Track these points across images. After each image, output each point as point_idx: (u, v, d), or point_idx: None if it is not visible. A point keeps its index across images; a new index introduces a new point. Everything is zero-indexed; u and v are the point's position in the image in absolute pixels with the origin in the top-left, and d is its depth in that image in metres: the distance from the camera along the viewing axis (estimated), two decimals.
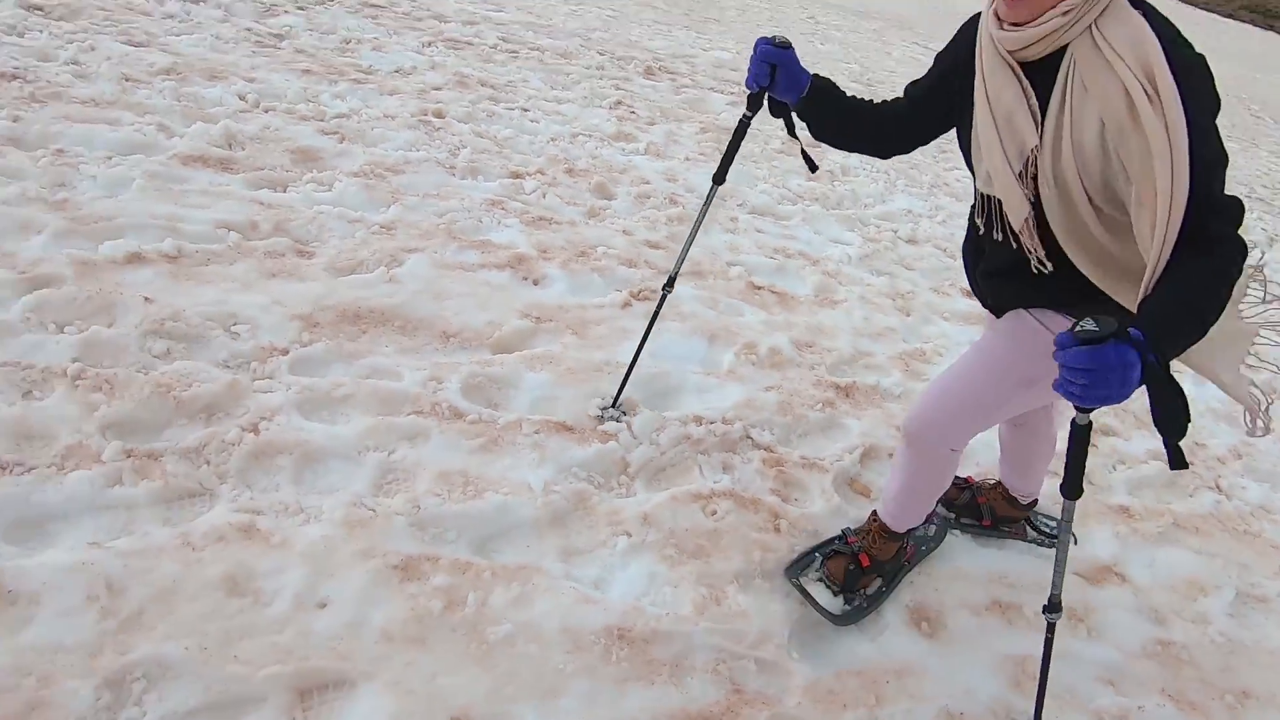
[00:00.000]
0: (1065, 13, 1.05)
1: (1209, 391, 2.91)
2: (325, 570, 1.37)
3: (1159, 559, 1.98)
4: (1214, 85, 1.06)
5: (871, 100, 1.44)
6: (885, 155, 1.53)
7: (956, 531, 1.86)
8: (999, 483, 1.86)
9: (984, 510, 1.86)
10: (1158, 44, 1.02)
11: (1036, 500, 1.87)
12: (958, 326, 2.84)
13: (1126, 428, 2.50)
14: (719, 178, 1.67)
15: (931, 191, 4.20)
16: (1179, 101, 1.00)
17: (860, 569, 1.58)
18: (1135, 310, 1.09)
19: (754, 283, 2.72)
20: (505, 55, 4.44)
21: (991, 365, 1.37)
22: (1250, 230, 5.43)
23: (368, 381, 1.82)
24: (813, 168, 1.59)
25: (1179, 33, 1.06)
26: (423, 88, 3.65)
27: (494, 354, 2.05)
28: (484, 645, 1.32)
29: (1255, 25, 25.11)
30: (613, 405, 1.93)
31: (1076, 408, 1.05)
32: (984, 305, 1.47)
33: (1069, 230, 1.15)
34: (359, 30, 4.16)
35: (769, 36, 1.40)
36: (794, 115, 1.47)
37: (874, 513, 1.64)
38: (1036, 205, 1.16)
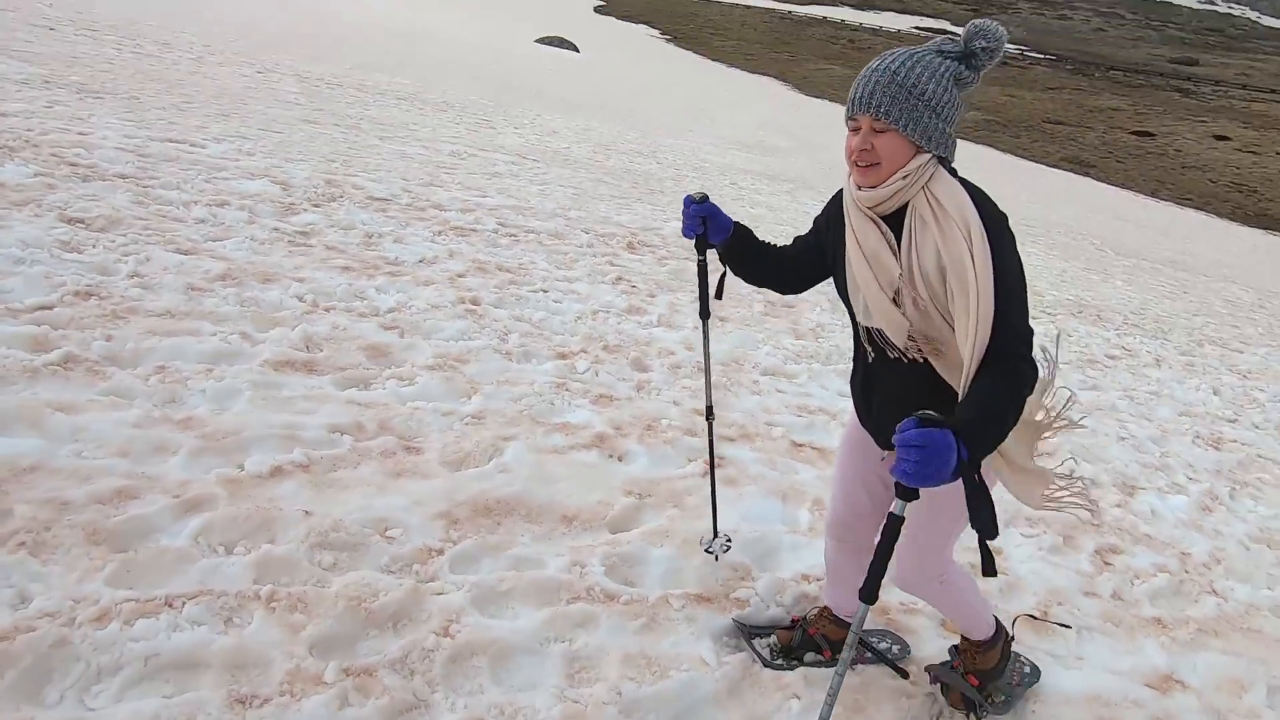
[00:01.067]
0: (903, 178, 1.36)
1: (1174, 503, 3.43)
2: None
3: (1200, 663, 2.30)
4: (1013, 235, 1.37)
5: (776, 245, 1.77)
6: (784, 292, 1.79)
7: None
8: (824, 609, 1.95)
9: (819, 641, 1.92)
10: (971, 202, 1.34)
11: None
12: None
13: (1129, 544, 2.91)
14: (704, 314, 1.95)
15: None
16: (988, 248, 1.30)
17: (974, 689, 1.78)
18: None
19: (795, 441, 3.06)
20: (508, 239, 4.88)
21: (935, 512, 1.53)
22: (1136, 351, 6.41)
23: (521, 573, 1.96)
24: (719, 295, 1.83)
25: (986, 195, 1.39)
26: (450, 276, 3.97)
27: (613, 533, 2.23)
28: None
29: (1074, 173, 30.25)
30: (714, 536, 2.14)
31: (899, 491, 1.23)
32: (877, 440, 1.62)
33: (931, 342, 1.42)
34: (374, 224, 4.50)
35: (691, 195, 1.72)
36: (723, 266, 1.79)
37: (962, 638, 1.83)
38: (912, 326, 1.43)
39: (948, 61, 1.37)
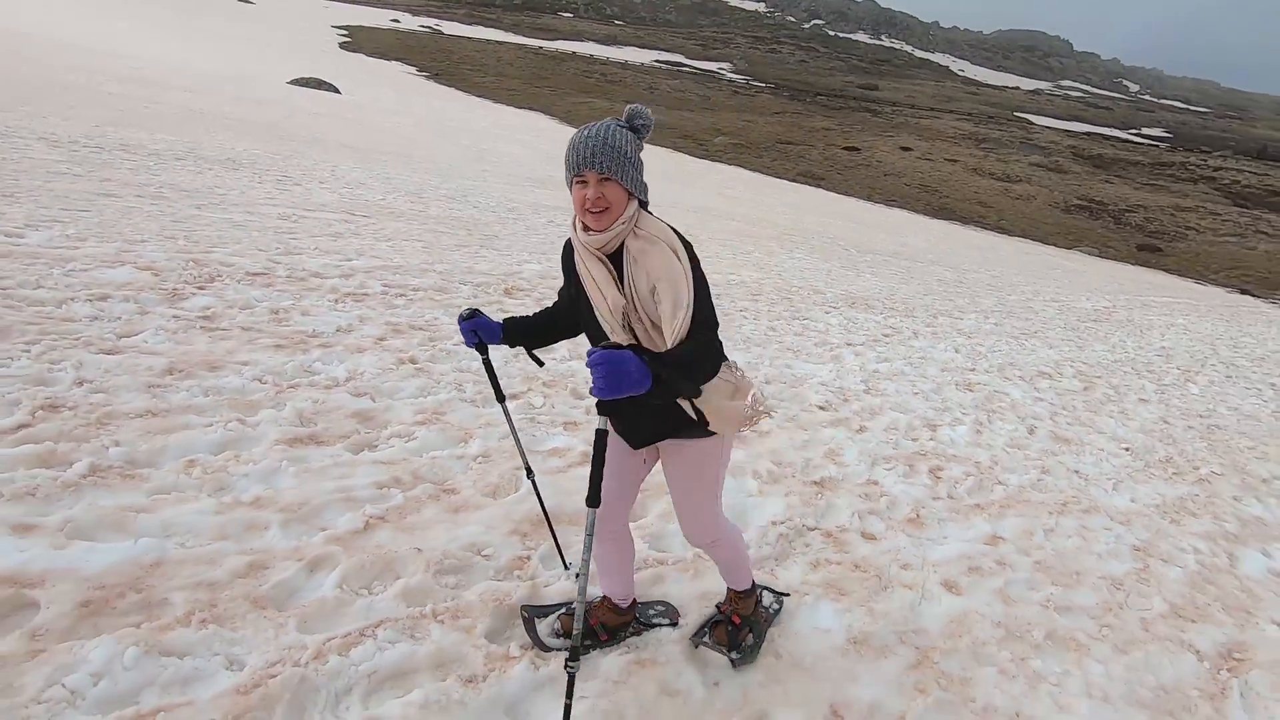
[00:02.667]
0: (624, 222, 1.68)
1: (960, 431, 4.82)
2: None
3: (1006, 525, 3.51)
4: (695, 254, 1.73)
5: (547, 309, 2.08)
6: (573, 336, 2.05)
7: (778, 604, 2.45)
8: (604, 598, 2.19)
9: (600, 629, 2.16)
10: (673, 234, 1.71)
11: (635, 600, 2.23)
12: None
13: (945, 463, 4.15)
14: (500, 399, 2.28)
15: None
16: (689, 262, 1.68)
17: (734, 626, 2.20)
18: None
19: None
20: (401, 300, 5.14)
21: (695, 482, 1.94)
22: (899, 329, 8.29)
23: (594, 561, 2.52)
24: (539, 363, 2.16)
25: (674, 228, 1.74)
26: (375, 340, 4.23)
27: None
28: None
29: (810, 185, 35.73)
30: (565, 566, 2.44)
31: (599, 407, 1.59)
32: (627, 440, 1.91)
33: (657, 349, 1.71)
34: (270, 300, 4.54)
35: (461, 313, 2.04)
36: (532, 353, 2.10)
37: (728, 589, 2.26)
38: (637, 343, 1.71)
39: (628, 131, 1.72)
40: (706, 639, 2.21)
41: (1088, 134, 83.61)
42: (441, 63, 63.64)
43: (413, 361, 4.00)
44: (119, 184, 7.48)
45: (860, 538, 3.09)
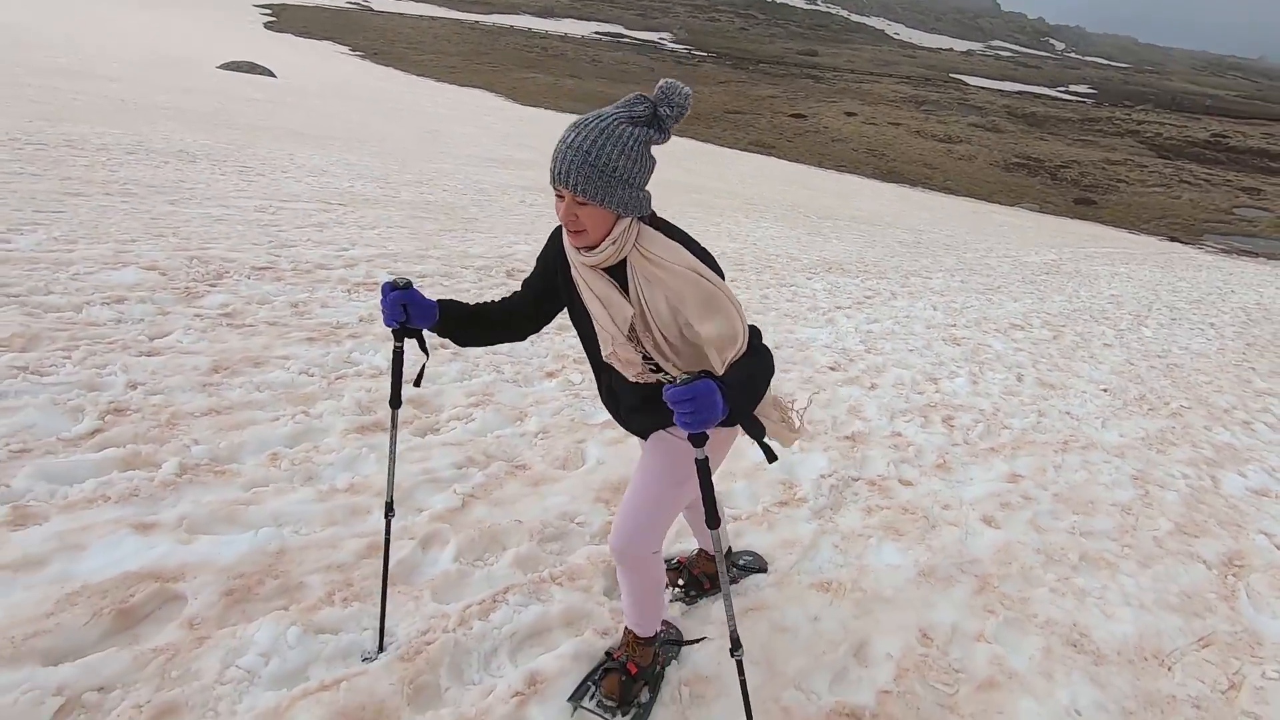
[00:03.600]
0: (613, 243, 1.47)
1: (959, 383, 5.12)
2: None
3: (1019, 464, 3.80)
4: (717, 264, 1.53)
5: (495, 301, 1.75)
6: (521, 339, 1.78)
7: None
8: (700, 550, 2.31)
9: (701, 579, 2.26)
10: (684, 247, 1.50)
11: (728, 548, 2.40)
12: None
13: (955, 412, 4.44)
14: (395, 403, 1.86)
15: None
16: (720, 278, 1.49)
17: (630, 678, 1.83)
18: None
19: None
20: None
21: (658, 477, 1.71)
22: (878, 291, 8.60)
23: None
24: (417, 383, 1.88)
25: (689, 235, 1.54)
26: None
27: None
28: None
29: (761, 154, 36.04)
30: (380, 648, 1.86)
31: (691, 440, 1.43)
32: (631, 432, 1.81)
33: (670, 363, 1.57)
34: (286, 293, 4.50)
35: (391, 280, 1.66)
36: (424, 337, 1.75)
37: (625, 629, 1.89)
38: (648, 356, 1.58)
39: (638, 129, 1.42)
40: (591, 694, 1.83)
41: (1019, 93, 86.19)
42: (375, 41, 61.40)
43: (444, 346, 4.05)
44: (81, 181, 7.16)
45: (899, 484, 3.33)
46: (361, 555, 2.17)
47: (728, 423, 1.50)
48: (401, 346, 1.78)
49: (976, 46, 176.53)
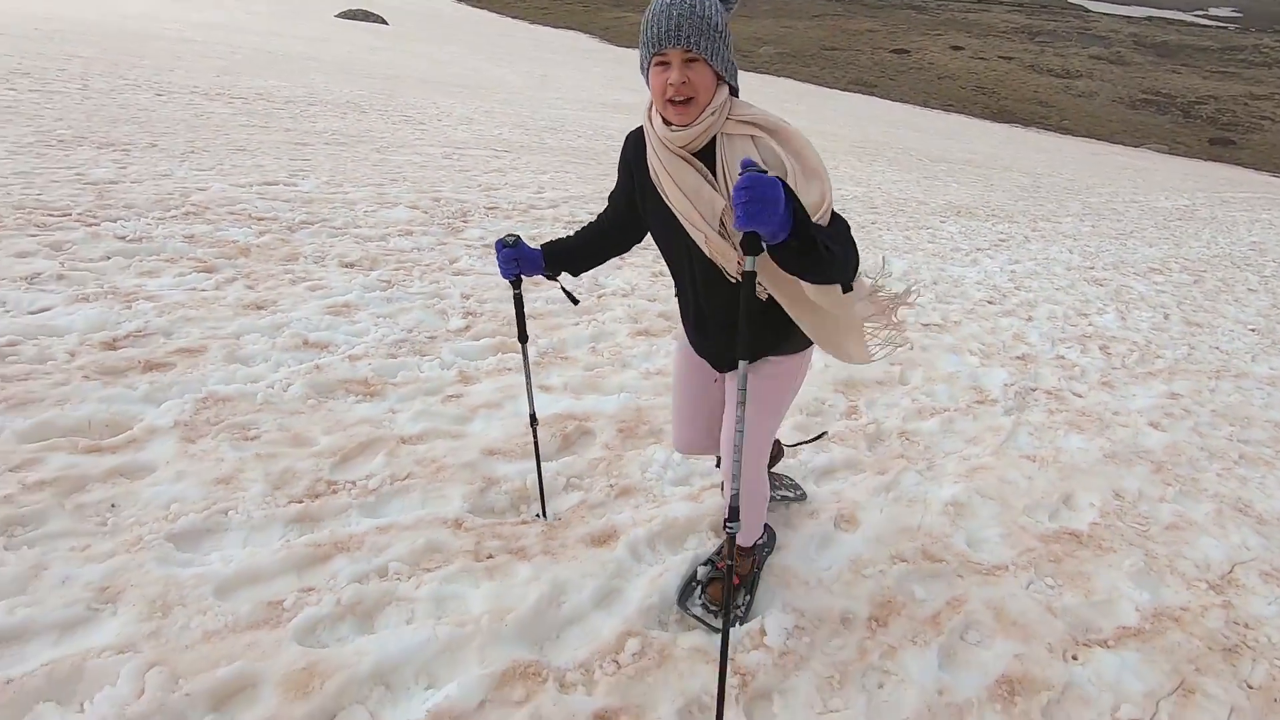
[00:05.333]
0: (713, 113, 1.41)
1: (1109, 318, 5.54)
2: None
3: (1175, 386, 4.30)
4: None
5: (590, 225, 1.82)
6: (626, 248, 1.83)
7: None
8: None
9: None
10: (775, 116, 1.45)
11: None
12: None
13: (1111, 343, 4.91)
14: (522, 339, 2.06)
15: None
16: (806, 144, 1.41)
17: (733, 587, 1.87)
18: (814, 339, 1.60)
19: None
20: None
21: (770, 403, 1.73)
22: (1011, 235, 8.83)
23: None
24: (574, 300, 2.03)
25: (791, 124, 1.46)
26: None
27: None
28: None
29: (863, 94, 34.83)
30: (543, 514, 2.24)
31: (742, 243, 1.27)
32: (715, 365, 1.76)
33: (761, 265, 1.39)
34: (517, 228, 5.39)
35: (502, 239, 1.80)
36: (565, 288, 2.01)
37: (730, 536, 1.73)
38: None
39: None
40: (698, 599, 1.95)
41: (1149, 19, 78.09)
42: None
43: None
44: (298, 133, 8.28)
45: (1072, 395, 3.92)
46: None
47: (786, 251, 1.29)
48: (521, 294, 1.99)
49: None
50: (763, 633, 1.90)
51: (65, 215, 4.15)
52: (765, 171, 1.23)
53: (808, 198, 1.37)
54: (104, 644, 1.58)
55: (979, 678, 1.89)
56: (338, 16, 30.54)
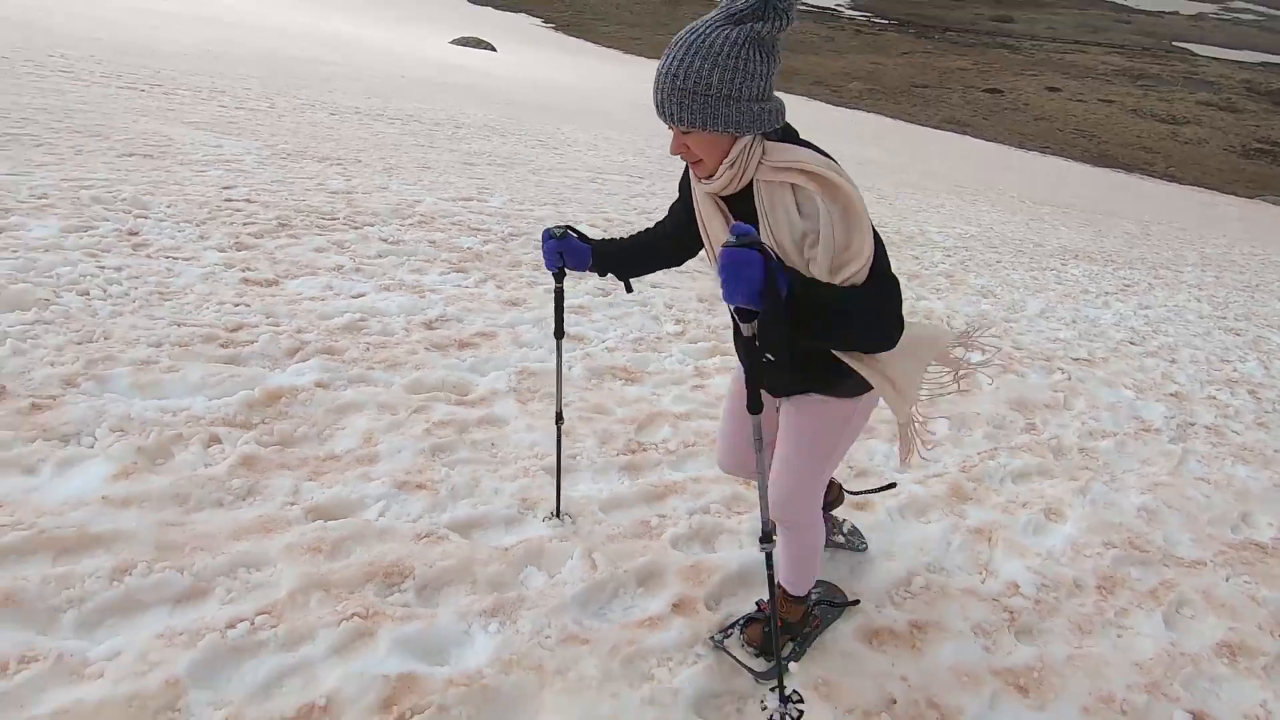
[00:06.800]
0: (730, 166, 1.33)
1: (1250, 366, 5.70)
2: None
3: None
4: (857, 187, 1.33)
5: (648, 230, 1.75)
6: (677, 262, 1.76)
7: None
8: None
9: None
10: (826, 160, 1.32)
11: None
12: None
13: (1260, 381, 5.10)
14: (559, 334, 2.05)
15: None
16: (850, 193, 1.30)
17: (776, 629, 1.67)
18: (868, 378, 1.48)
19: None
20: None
21: (810, 445, 1.64)
22: (1134, 282, 8.91)
23: None
24: (629, 289, 1.91)
25: (826, 153, 1.35)
26: None
27: None
28: None
29: (955, 133, 34.66)
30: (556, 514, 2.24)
31: (734, 317, 1.31)
32: (769, 391, 1.66)
33: None
34: None
35: (550, 229, 1.76)
36: (627, 282, 1.85)
37: (779, 583, 1.80)
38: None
39: (739, 28, 1.25)
40: (734, 636, 1.88)
41: (1264, 64, 74.39)
42: (565, 13, 64.62)
43: None
44: (462, 153, 9.22)
45: (1230, 432, 4.18)
46: None
47: (788, 327, 1.27)
48: (561, 287, 1.96)
49: (1209, 8, 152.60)
50: (1016, 586, 2.34)
51: (334, 219, 4.98)
52: (752, 241, 1.21)
53: (843, 255, 1.30)
54: (545, 534, 2.17)
55: (1202, 641, 2.28)
56: (452, 43, 32.61)
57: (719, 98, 1.25)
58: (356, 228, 4.87)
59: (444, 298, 3.91)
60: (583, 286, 4.54)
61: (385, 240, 4.73)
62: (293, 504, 2.11)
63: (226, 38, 19.82)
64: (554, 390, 2.36)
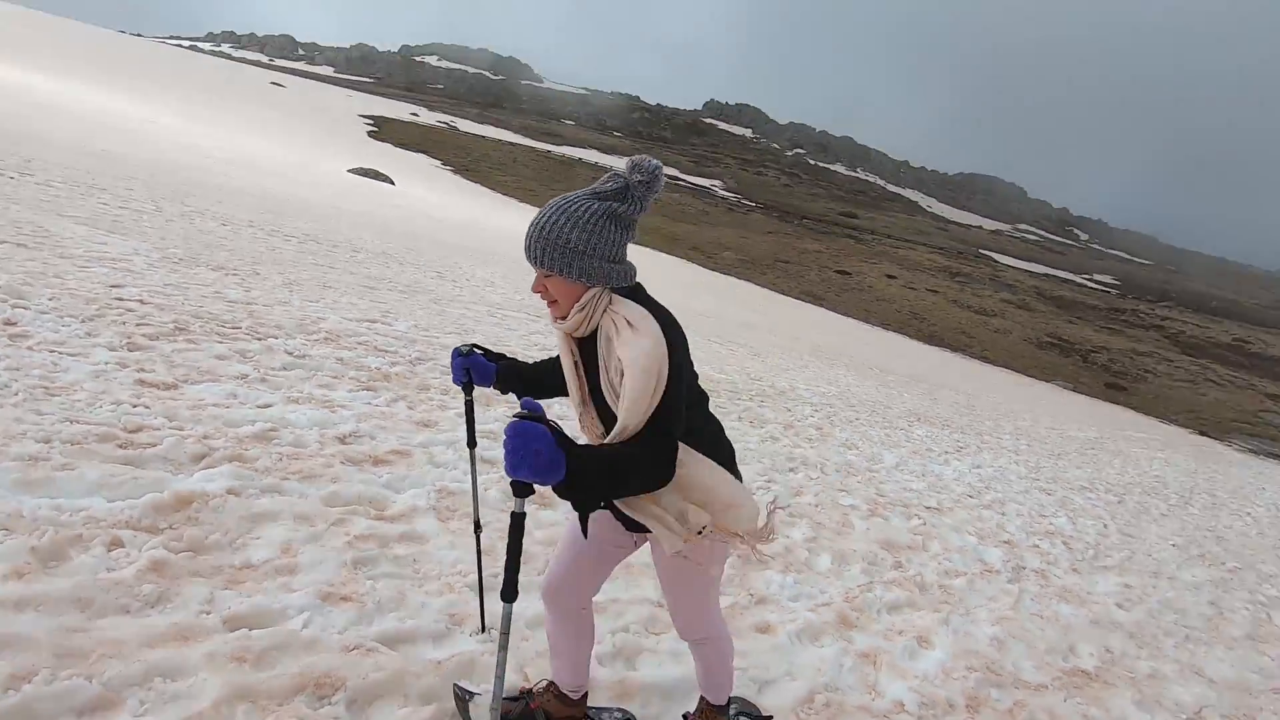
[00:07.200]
0: (580, 310, 1.56)
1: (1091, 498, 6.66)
2: None
3: None
4: (685, 341, 1.54)
5: (550, 360, 1.91)
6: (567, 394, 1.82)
7: None
8: (550, 683, 1.99)
9: (538, 716, 1.97)
10: (650, 316, 1.52)
11: (587, 694, 2.03)
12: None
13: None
14: (471, 444, 2.23)
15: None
16: (665, 352, 1.47)
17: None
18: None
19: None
20: None
21: (687, 586, 1.80)
22: (966, 445, 10.23)
23: None
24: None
25: (664, 309, 1.57)
26: None
27: None
28: None
29: (812, 304, 38.88)
30: (482, 629, 2.29)
31: (513, 487, 1.36)
32: (622, 521, 1.75)
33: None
34: None
35: (458, 347, 1.97)
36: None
37: (700, 697, 2.00)
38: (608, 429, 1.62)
39: (602, 204, 1.54)
40: None
41: (1047, 275, 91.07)
42: (464, 158, 68.00)
43: None
44: (362, 277, 9.28)
45: (1053, 576, 4.85)
46: None
47: (565, 490, 1.36)
48: (471, 399, 2.14)
49: (1005, 227, 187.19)
50: (902, 704, 2.59)
51: (236, 328, 4.87)
52: (538, 416, 1.33)
53: (625, 398, 1.45)
54: (476, 649, 2.18)
55: None
56: (350, 171, 33.19)
57: (576, 254, 1.51)
58: (260, 339, 4.79)
59: (355, 414, 3.90)
60: (492, 414, 4.67)
61: (291, 354, 4.68)
62: (208, 612, 2.01)
63: (108, 136, 19.14)
64: (469, 509, 2.51)
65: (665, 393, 1.46)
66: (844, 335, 29.03)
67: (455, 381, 1.98)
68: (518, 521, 1.42)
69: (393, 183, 33.73)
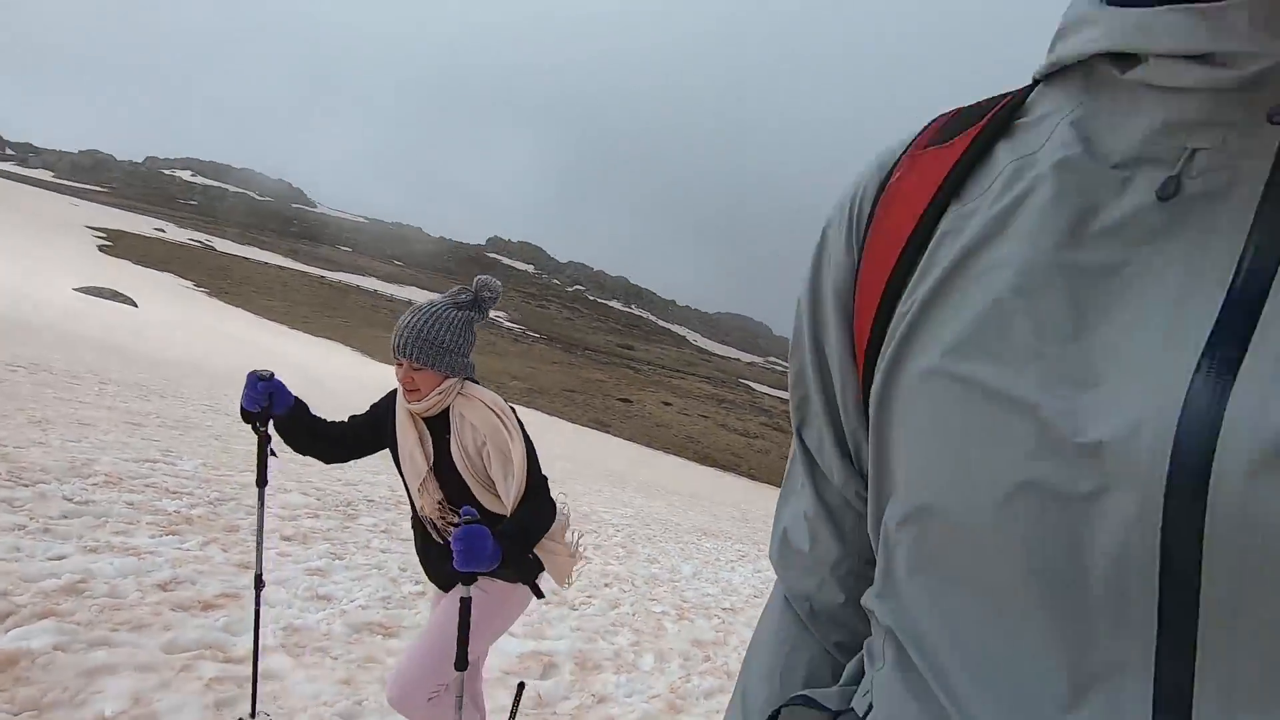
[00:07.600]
0: (439, 394, 1.89)
1: None
2: None
3: None
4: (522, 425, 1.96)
5: (337, 423, 2.13)
6: (329, 461, 2.12)
7: None
8: None
9: None
10: (501, 405, 1.93)
11: None
12: None
13: None
14: (261, 482, 2.25)
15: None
16: (517, 428, 1.91)
17: None
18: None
19: None
20: None
21: (484, 617, 1.89)
22: (748, 553, 11.42)
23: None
24: (272, 453, 2.19)
25: (502, 400, 1.95)
26: None
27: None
28: None
29: (600, 431, 40.52)
30: (253, 715, 2.30)
31: (460, 578, 1.72)
32: (439, 586, 2.08)
33: (470, 494, 1.93)
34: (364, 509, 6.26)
35: (258, 371, 2.00)
36: (273, 431, 2.10)
37: None
38: (446, 498, 1.93)
39: (461, 311, 1.94)
40: None
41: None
42: (221, 280, 62.16)
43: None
44: (122, 411, 8.29)
45: None
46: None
47: (505, 568, 1.75)
48: (267, 433, 2.10)
49: (758, 359, 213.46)
50: None
51: None
52: (477, 519, 1.71)
53: (508, 466, 1.88)
54: None
55: None
56: (77, 290, 28.74)
57: (445, 351, 1.88)
58: (26, 485, 4.26)
59: (168, 560, 3.67)
60: (315, 550, 4.57)
61: (70, 499, 4.22)
62: None
63: None
64: (321, 644, 2.69)
65: (527, 451, 1.92)
66: (631, 460, 30.63)
67: (249, 407, 1.98)
68: (466, 605, 1.75)
69: (135, 304, 29.77)
